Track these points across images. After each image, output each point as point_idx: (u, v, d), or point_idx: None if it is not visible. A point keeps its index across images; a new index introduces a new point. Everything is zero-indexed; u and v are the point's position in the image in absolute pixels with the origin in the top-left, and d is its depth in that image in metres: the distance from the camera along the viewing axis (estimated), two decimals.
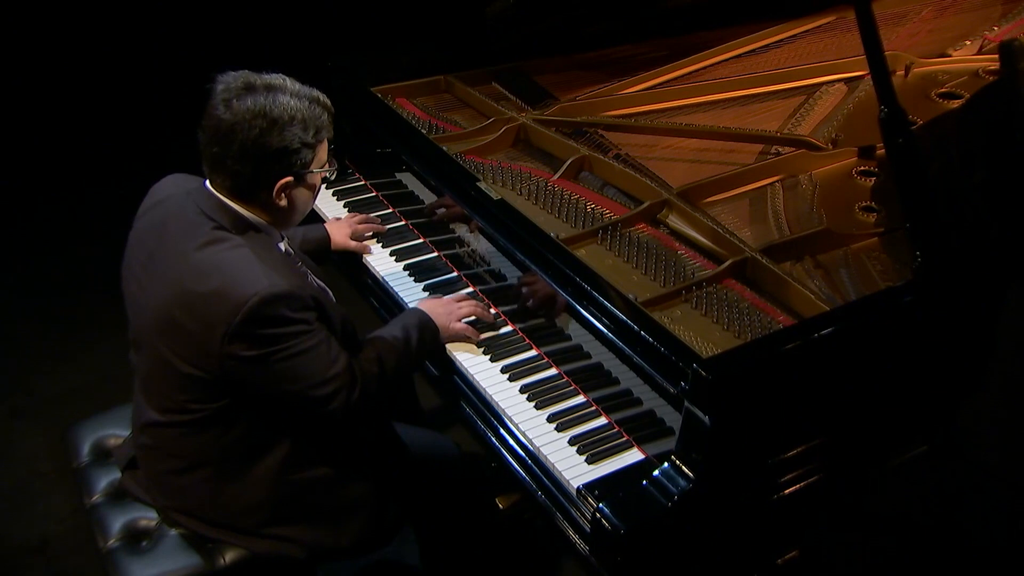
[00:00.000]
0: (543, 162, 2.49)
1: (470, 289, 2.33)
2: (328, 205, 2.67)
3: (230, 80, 1.77)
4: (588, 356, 2.04)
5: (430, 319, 2.10)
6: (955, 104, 2.60)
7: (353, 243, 2.48)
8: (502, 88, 2.80)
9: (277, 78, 1.80)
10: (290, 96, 1.77)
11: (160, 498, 2.00)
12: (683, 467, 1.73)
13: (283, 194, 1.81)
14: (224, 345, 1.72)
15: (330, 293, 2.03)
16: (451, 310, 2.14)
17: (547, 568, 2.63)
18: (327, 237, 2.44)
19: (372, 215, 2.58)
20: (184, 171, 2.00)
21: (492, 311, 2.23)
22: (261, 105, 1.73)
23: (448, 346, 2.15)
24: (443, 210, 2.43)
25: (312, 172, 1.84)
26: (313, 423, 1.90)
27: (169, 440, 1.91)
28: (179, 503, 1.97)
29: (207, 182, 1.83)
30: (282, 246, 1.92)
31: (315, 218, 2.64)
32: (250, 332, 1.72)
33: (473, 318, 2.18)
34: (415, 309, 2.13)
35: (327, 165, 1.88)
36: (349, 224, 2.50)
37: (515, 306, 2.20)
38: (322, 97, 1.83)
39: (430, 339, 2.09)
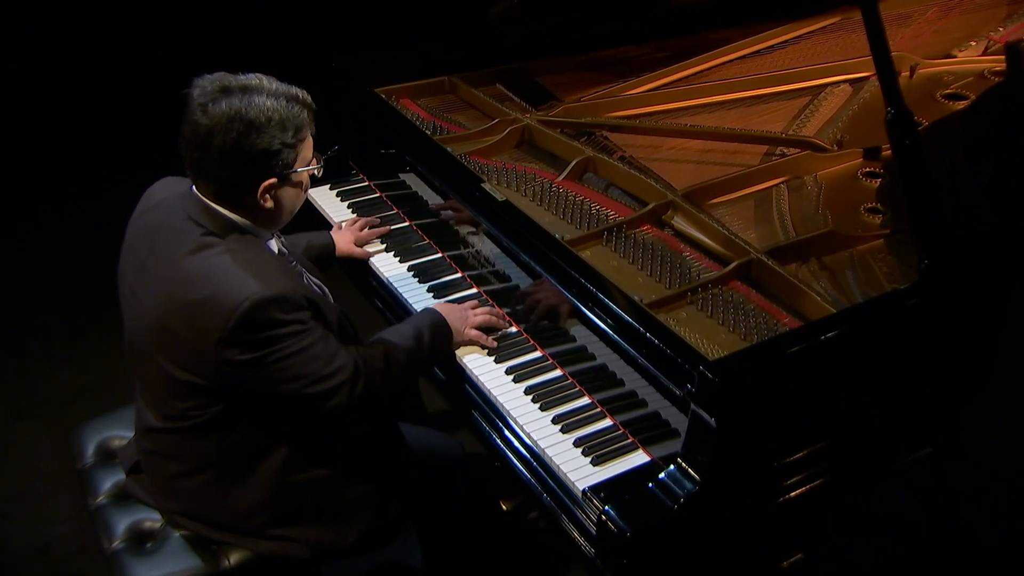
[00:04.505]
0: (547, 163, 2.48)
1: (474, 290, 2.33)
2: (332, 206, 2.66)
3: (206, 84, 1.74)
4: (593, 357, 2.04)
5: (444, 321, 2.09)
6: (961, 105, 2.60)
7: (358, 250, 2.47)
8: (506, 89, 2.80)
9: (253, 78, 1.77)
10: (267, 96, 1.74)
11: (165, 502, 2.00)
12: (689, 469, 1.72)
13: (268, 195, 1.80)
14: (219, 351, 1.72)
15: (327, 291, 2.03)
16: (467, 315, 2.13)
17: (551, 569, 2.62)
18: (331, 244, 2.43)
19: (373, 217, 2.56)
20: (183, 172, 1.99)
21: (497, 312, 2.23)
22: (237, 108, 1.71)
23: None
24: (449, 213, 2.42)
25: (296, 171, 1.82)
26: (315, 423, 1.90)
27: (170, 445, 1.91)
28: (184, 507, 1.96)
29: (193, 187, 1.83)
30: (274, 245, 1.91)
31: (319, 220, 2.64)
32: (244, 337, 1.71)
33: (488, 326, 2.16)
34: (430, 310, 2.12)
35: (312, 162, 1.86)
36: (352, 231, 2.49)
37: (520, 307, 2.19)
38: (301, 94, 1.80)
39: (442, 341, 2.08)
